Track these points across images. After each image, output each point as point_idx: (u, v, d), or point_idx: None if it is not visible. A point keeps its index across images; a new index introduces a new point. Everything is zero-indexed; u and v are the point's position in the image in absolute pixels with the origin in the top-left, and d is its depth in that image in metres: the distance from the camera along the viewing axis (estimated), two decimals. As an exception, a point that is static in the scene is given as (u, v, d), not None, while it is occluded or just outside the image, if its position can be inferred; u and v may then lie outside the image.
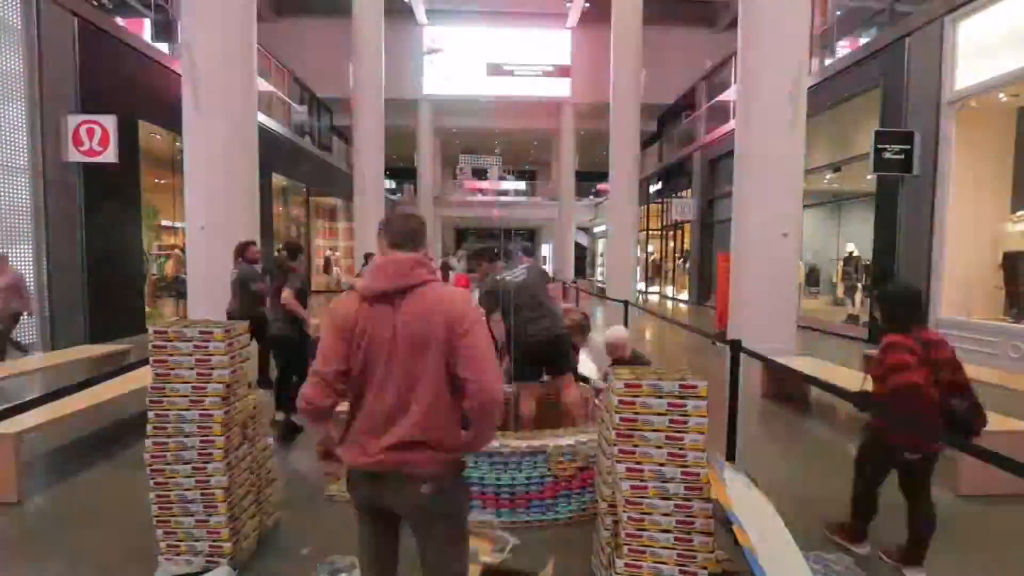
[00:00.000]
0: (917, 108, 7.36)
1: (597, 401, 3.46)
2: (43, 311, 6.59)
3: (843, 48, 9.59)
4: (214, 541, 2.37)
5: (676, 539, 1.93)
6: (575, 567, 2.44)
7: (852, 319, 9.45)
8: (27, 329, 6.45)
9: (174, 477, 2.36)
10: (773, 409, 5.13)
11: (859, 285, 9.62)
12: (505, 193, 27.73)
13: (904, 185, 7.59)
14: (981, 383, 4.37)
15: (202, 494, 2.36)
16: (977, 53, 6.56)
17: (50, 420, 3.33)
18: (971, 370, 4.70)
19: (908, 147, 7.30)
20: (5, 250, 6.03)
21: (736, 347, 3.45)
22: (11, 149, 6.31)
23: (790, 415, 4.97)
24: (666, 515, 1.93)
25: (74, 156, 6.83)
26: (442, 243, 26.96)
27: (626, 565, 1.94)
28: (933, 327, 7.00)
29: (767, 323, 6.45)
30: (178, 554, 2.37)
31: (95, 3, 7.84)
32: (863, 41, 9.00)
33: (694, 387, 1.96)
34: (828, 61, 9.65)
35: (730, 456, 3.35)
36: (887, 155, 7.36)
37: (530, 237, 31.56)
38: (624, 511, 1.95)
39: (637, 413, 1.98)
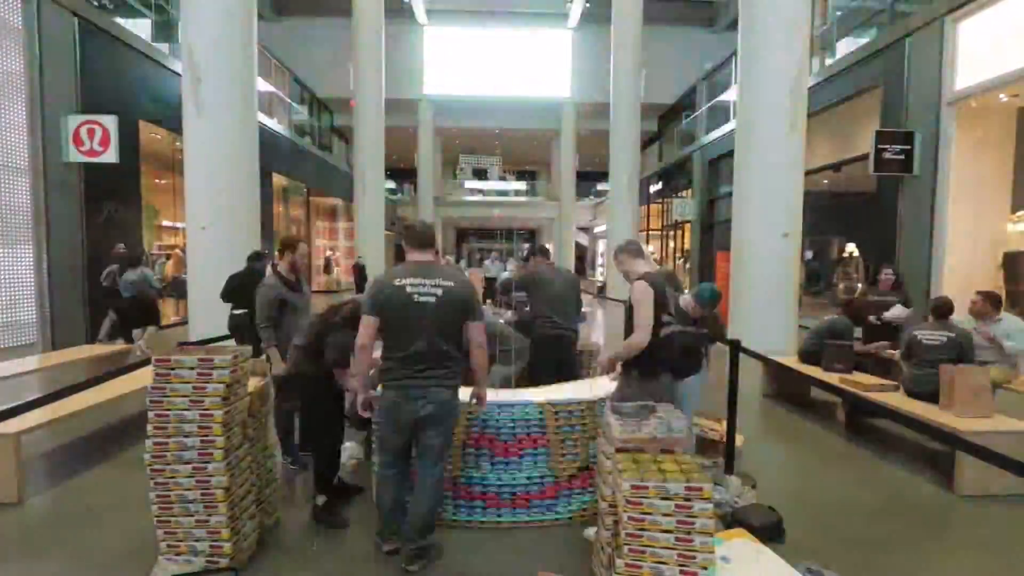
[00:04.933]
0: (918, 108, 7.36)
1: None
2: (43, 311, 6.59)
3: (843, 48, 9.58)
4: (214, 541, 2.37)
5: (677, 539, 1.93)
6: (575, 567, 2.44)
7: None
8: (28, 329, 6.46)
9: (174, 477, 2.35)
10: (773, 409, 5.13)
11: (859, 286, 9.61)
12: (505, 193, 27.75)
13: (904, 185, 7.59)
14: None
15: (202, 494, 2.35)
16: (978, 53, 6.55)
17: (50, 420, 3.33)
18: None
19: (908, 147, 7.30)
20: (6, 250, 6.04)
21: (735, 347, 3.45)
22: (12, 149, 6.32)
23: (790, 415, 4.96)
24: (667, 515, 1.93)
25: (75, 156, 6.83)
26: (442, 243, 26.95)
27: (626, 565, 1.94)
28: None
29: (767, 323, 6.46)
30: (178, 554, 2.37)
31: (96, 3, 7.84)
32: (863, 41, 8.99)
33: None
34: (828, 61, 9.64)
35: (728, 460, 3.35)
36: (887, 155, 7.36)
37: (530, 237, 31.56)
38: (624, 511, 1.95)
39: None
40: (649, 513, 1.94)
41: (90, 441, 4.07)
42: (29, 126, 6.47)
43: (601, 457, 2.33)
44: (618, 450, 2.12)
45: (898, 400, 3.86)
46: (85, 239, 7.20)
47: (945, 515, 3.10)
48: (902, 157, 7.33)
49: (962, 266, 6.92)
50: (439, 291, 2.35)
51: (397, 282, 2.36)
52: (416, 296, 2.33)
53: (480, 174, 26.83)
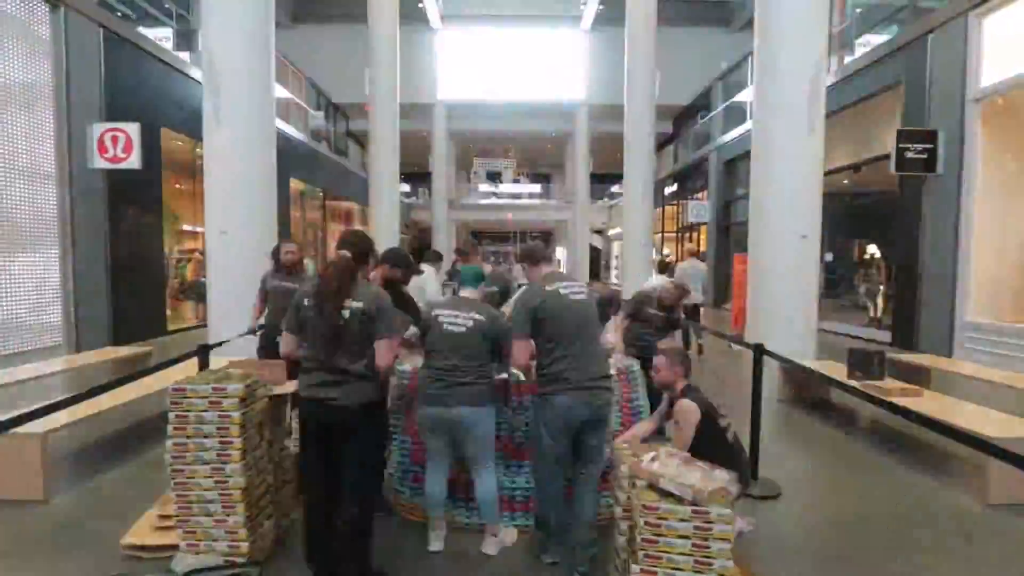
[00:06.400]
0: (941, 106, 7.20)
1: None
2: (68, 314, 6.76)
3: (863, 46, 9.42)
4: (232, 540, 2.40)
5: (694, 545, 1.90)
6: (591, 572, 2.42)
7: (874, 322, 9.26)
8: (54, 331, 6.63)
9: (193, 477, 2.39)
10: (793, 413, 5.04)
11: (880, 288, 9.41)
12: (519, 196, 27.76)
13: (927, 185, 7.42)
14: (1010, 388, 4.26)
15: (221, 494, 2.39)
16: (1004, 49, 6.39)
17: (76, 420, 3.41)
18: (999, 374, 4.57)
19: (931, 146, 7.14)
20: (33, 254, 6.21)
21: (759, 351, 3.39)
22: (40, 156, 6.50)
23: (810, 420, 4.87)
24: (683, 520, 1.91)
25: (99, 163, 7.01)
26: (453, 246, 27.03)
27: (642, 571, 1.92)
28: (959, 331, 6.82)
29: (786, 326, 6.35)
30: (197, 553, 2.41)
31: (119, 14, 8.05)
32: (884, 38, 8.84)
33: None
34: (848, 59, 9.49)
35: (753, 466, 3.29)
36: (910, 154, 7.20)
37: (544, 239, 31.57)
38: (640, 516, 1.93)
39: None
40: (666, 518, 1.91)
41: (113, 441, 4.16)
42: (56, 134, 6.66)
43: (617, 462, 2.31)
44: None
45: (922, 405, 3.76)
46: (109, 243, 7.37)
47: (973, 525, 3.01)
48: (925, 156, 7.17)
49: (989, 266, 6.74)
50: (583, 295, 2.52)
51: (549, 288, 2.45)
52: (571, 298, 2.45)
53: (494, 177, 26.92)
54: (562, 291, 2.41)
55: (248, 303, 4.59)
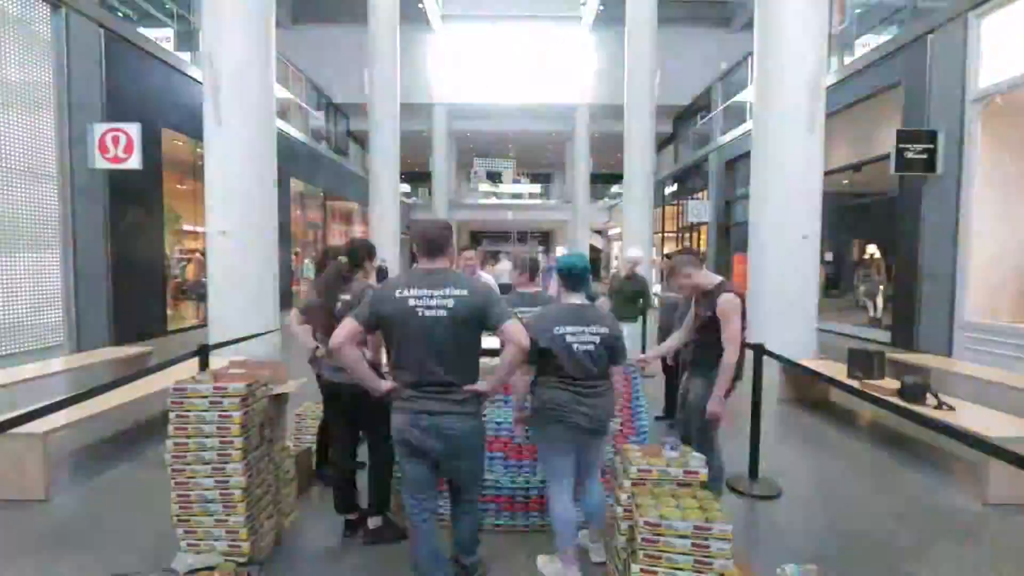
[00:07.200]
0: (940, 107, 7.20)
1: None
2: (69, 314, 6.76)
3: (863, 46, 9.43)
4: (233, 541, 2.40)
5: (693, 545, 1.90)
6: (591, 572, 2.42)
7: (874, 322, 9.25)
8: (54, 331, 6.63)
9: (194, 477, 2.40)
10: (793, 413, 5.04)
11: (880, 288, 9.41)
12: (519, 196, 27.79)
13: (927, 185, 7.42)
14: (1010, 388, 4.27)
15: (221, 494, 2.39)
16: (1004, 49, 6.39)
17: (77, 420, 3.42)
18: (998, 374, 4.57)
19: (931, 146, 7.14)
20: (34, 254, 6.21)
21: (759, 351, 3.39)
22: (40, 156, 6.51)
23: (811, 420, 4.87)
24: (683, 521, 1.91)
25: (100, 163, 7.01)
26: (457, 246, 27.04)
27: (642, 571, 1.92)
28: (959, 331, 6.82)
29: (786, 326, 6.36)
30: (198, 553, 2.41)
31: (120, 14, 8.06)
32: (884, 39, 8.84)
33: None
34: (847, 59, 9.49)
35: (753, 466, 3.30)
36: (909, 155, 7.20)
37: (544, 240, 31.58)
38: (640, 515, 1.94)
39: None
40: (666, 519, 1.92)
41: (114, 441, 4.17)
42: (56, 134, 6.66)
43: (617, 461, 2.31)
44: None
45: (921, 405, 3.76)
46: (110, 243, 7.38)
47: (973, 524, 3.02)
48: (924, 156, 7.17)
49: (989, 266, 6.74)
50: (450, 302, 1.98)
51: (399, 293, 2.01)
52: (421, 311, 1.98)
53: (494, 177, 26.96)
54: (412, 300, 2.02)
55: (247, 303, 4.59)
